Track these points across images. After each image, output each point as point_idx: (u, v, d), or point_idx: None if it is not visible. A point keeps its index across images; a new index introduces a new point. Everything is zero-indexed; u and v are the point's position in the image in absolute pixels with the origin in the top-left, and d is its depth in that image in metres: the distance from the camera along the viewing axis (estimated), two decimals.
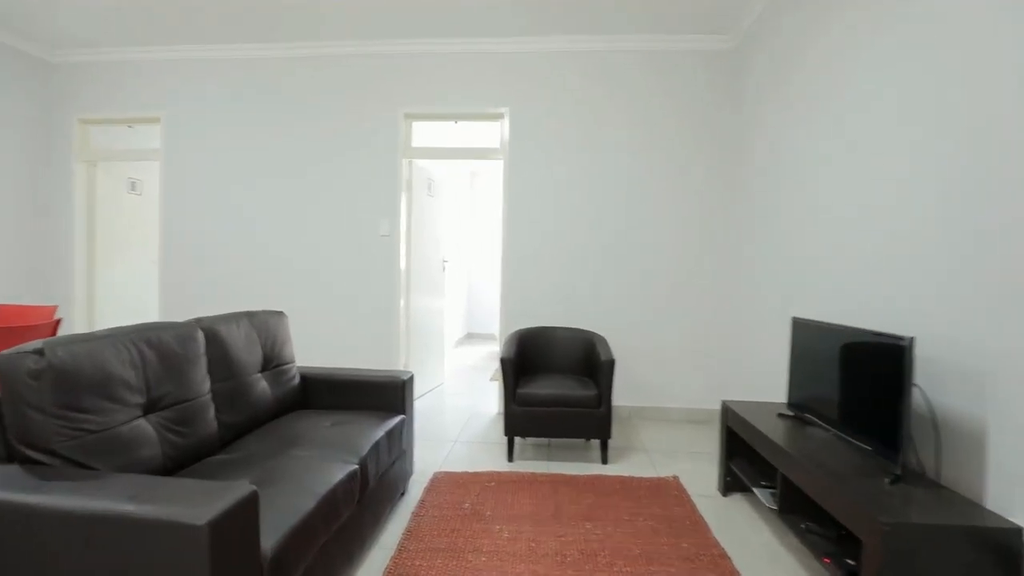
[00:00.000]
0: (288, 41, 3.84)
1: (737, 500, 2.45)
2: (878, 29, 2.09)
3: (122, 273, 4.52)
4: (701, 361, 3.72)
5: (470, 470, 2.72)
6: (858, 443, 1.80)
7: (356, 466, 1.77)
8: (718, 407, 3.68)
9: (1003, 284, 1.47)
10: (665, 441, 3.27)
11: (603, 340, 3.20)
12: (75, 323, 4.11)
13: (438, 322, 4.69)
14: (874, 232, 2.06)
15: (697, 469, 2.81)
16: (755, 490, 2.17)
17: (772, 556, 1.97)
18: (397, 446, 2.22)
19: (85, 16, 3.51)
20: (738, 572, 1.85)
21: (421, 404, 4.06)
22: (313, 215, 3.94)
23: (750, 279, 3.34)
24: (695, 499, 2.43)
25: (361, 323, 3.93)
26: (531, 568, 1.84)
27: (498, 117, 3.85)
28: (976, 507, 1.44)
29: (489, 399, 4.24)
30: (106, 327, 1.70)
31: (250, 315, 2.24)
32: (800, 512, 1.92)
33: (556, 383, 2.93)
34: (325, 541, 1.54)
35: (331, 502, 1.55)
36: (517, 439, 3.22)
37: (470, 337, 7.75)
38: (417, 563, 1.86)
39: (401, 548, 1.95)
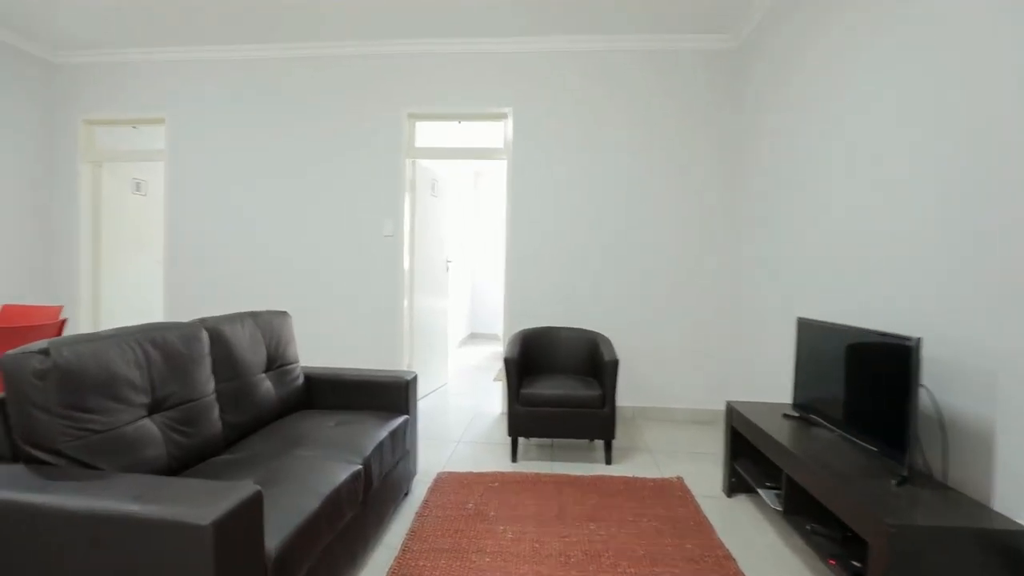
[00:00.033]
0: (291, 42, 3.84)
1: (742, 501, 2.44)
2: (879, 30, 2.09)
3: (127, 273, 4.54)
4: (704, 361, 3.71)
5: (474, 470, 2.72)
6: (864, 444, 1.79)
7: (360, 466, 1.78)
8: (722, 407, 3.67)
9: (1008, 284, 1.46)
10: (669, 442, 3.26)
11: (607, 340, 3.19)
12: (80, 323, 4.13)
13: (442, 322, 4.69)
14: (877, 232, 2.05)
15: (701, 470, 2.80)
16: (760, 491, 2.16)
17: (777, 557, 1.97)
18: (401, 446, 2.22)
19: (85, 16, 3.52)
20: (743, 573, 1.84)
21: (425, 404, 4.06)
22: (317, 215, 3.95)
23: (752, 279, 3.33)
24: (699, 500, 2.42)
25: (365, 323, 3.94)
26: (535, 569, 1.83)
27: (501, 117, 3.85)
28: (983, 509, 1.43)
29: (493, 399, 4.23)
30: (111, 327, 1.70)
31: (254, 315, 2.25)
32: (805, 513, 1.91)
33: (560, 383, 2.93)
34: (329, 541, 1.54)
35: (335, 502, 1.55)
36: (521, 439, 3.22)
37: (473, 337, 7.75)
38: (421, 563, 1.85)
39: (405, 548, 1.95)
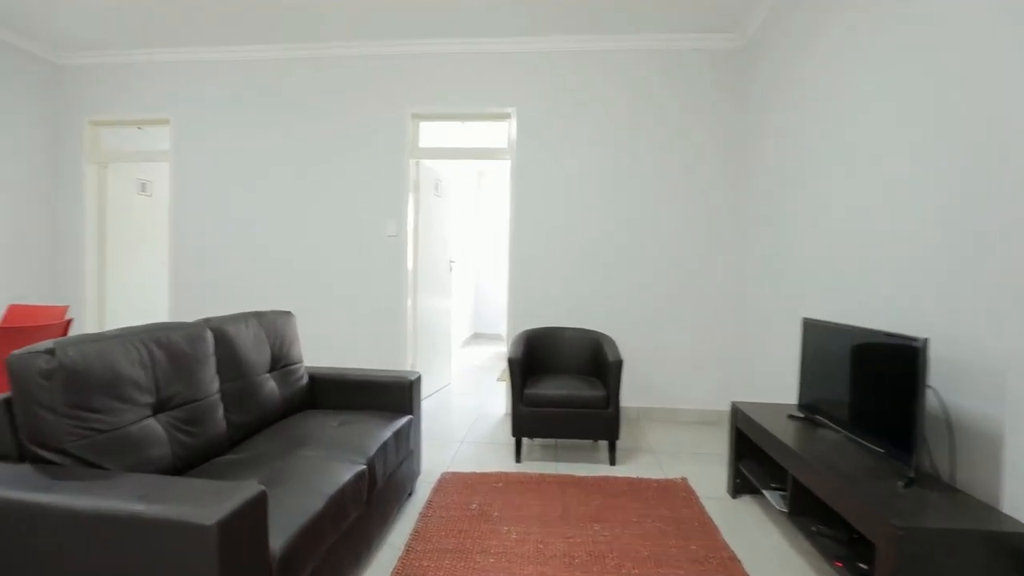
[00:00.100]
0: (294, 42, 3.85)
1: (746, 502, 2.43)
2: (881, 30, 2.09)
3: (132, 274, 4.56)
4: (709, 362, 3.70)
5: (477, 471, 2.72)
6: (870, 445, 1.78)
7: (364, 466, 1.78)
8: (726, 408, 3.65)
9: (1014, 283, 1.45)
10: (673, 442, 3.25)
11: (611, 340, 3.18)
12: (86, 323, 4.15)
13: (445, 322, 4.69)
14: (880, 232, 2.04)
15: (705, 471, 2.79)
16: (765, 492, 2.15)
17: (782, 559, 1.95)
18: (404, 446, 2.22)
19: (85, 16, 3.52)
20: (748, 575, 1.83)
21: (428, 404, 4.06)
22: (320, 216, 3.96)
23: (757, 279, 3.31)
24: (704, 501, 2.41)
25: (368, 323, 3.94)
26: (539, 570, 1.83)
27: (505, 117, 3.85)
28: (992, 511, 1.42)
29: (496, 399, 4.23)
30: (116, 327, 1.71)
31: (258, 315, 2.25)
32: (811, 515, 1.90)
33: (564, 384, 2.92)
34: (333, 541, 1.54)
35: (339, 502, 1.55)
36: (524, 440, 3.22)
37: (477, 337, 7.75)
38: (425, 564, 1.85)
39: (409, 548, 1.95)
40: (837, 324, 2.06)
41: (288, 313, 2.45)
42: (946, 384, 1.68)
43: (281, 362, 2.29)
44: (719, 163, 3.65)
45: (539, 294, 3.79)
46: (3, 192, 3.81)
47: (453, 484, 2.53)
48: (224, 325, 2.00)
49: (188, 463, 1.64)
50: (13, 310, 3.19)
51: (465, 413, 3.84)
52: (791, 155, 2.87)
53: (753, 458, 2.44)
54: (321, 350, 3.95)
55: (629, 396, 3.73)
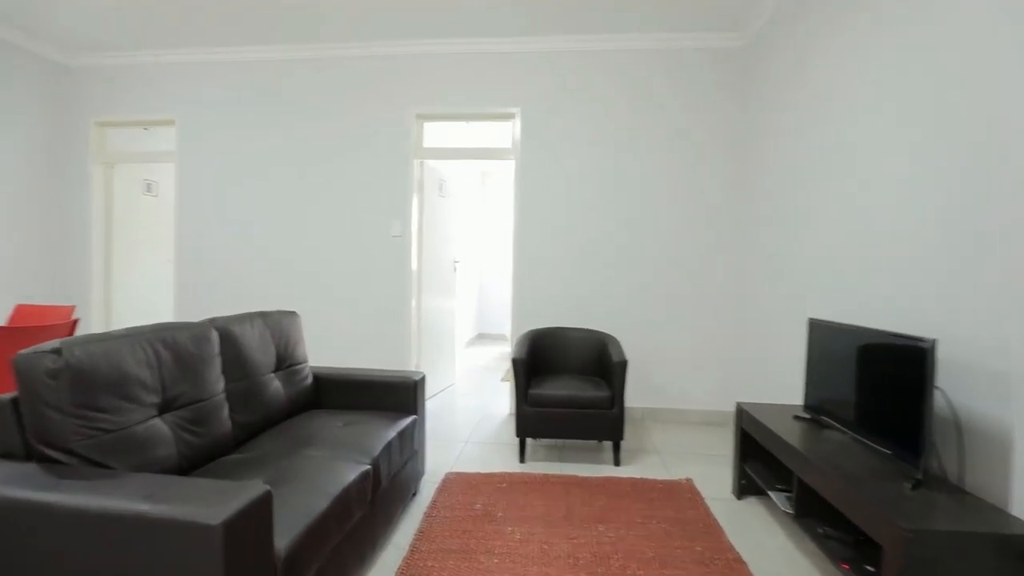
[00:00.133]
0: (299, 43, 3.86)
1: (752, 503, 2.42)
2: (884, 31, 2.08)
3: (138, 274, 4.58)
4: (713, 362, 3.68)
5: (482, 471, 2.72)
6: (877, 447, 1.77)
7: (368, 466, 1.78)
8: (731, 409, 3.64)
9: (1021, 283, 1.44)
10: (678, 443, 3.24)
11: (615, 341, 3.18)
12: (92, 323, 4.17)
13: (449, 322, 4.70)
14: (885, 232, 2.02)
15: (710, 472, 2.78)
16: (770, 493, 2.14)
17: (788, 561, 1.94)
18: (409, 446, 2.22)
19: (85, 16, 3.53)
20: None
21: (432, 404, 4.06)
22: (324, 216, 3.96)
23: (761, 278, 3.30)
24: (709, 502, 2.40)
25: (372, 323, 3.94)
26: (543, 570, 1.82)
27: (509, 117, 3.84)
28: (1002, 513, 1.40)
29: (500, 400, 4.23)
30: (122, 327, 1.72)
31: (264, 315, 2.26)
32: (817, 516, 1.89)
33: (568, 384, 2.92)
34: (338, 541, 1.54)
35: (344, 502, 1.55)
36: (528, 440, 3.21)
37: (481, 337, 7.75)
38: (429, 564, 1.85)
39: (413, 549, 1.95)
40: (843, 324, 2.05)
41: (293, 313, 2.46)
42: (954, 385, 1.66)
43: (286, 362, 2.30)
44: (722, 162, 3.63)
45: (543, 294, 3.78)
46: (10, 192, 3.84)
47: (457, 484, 2.53)
48: (229, 325, 2.01)
49: (193, 463, 1.64)
50: (20, 310, 3.21)
51: (469, 413, 3.83)
52: (795, 155, 2.86)
53: (758, 459, 2.42)
54: (326, 350, 3.96)
55: (633, 396, 3.72)
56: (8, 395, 1.34)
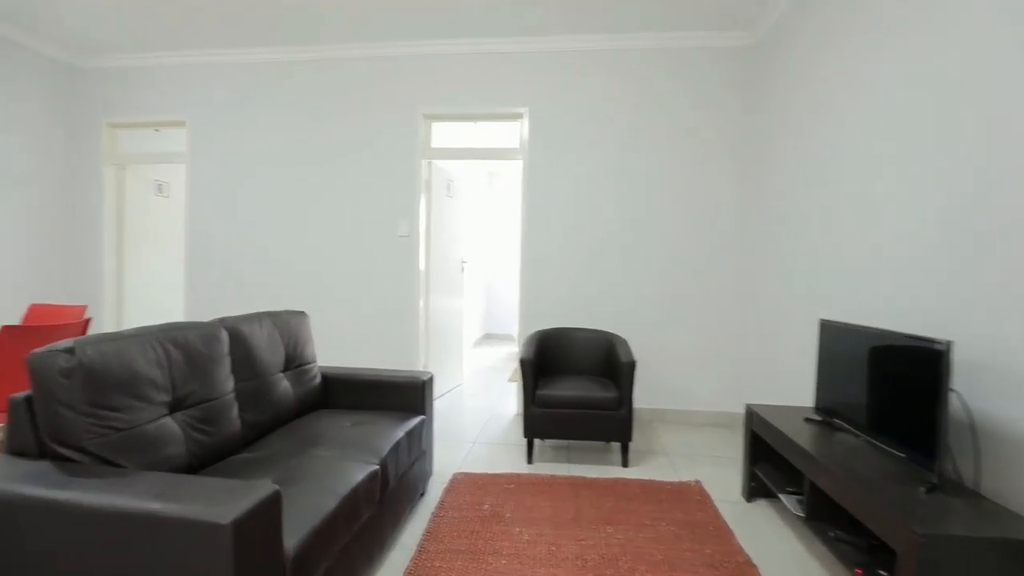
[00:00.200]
0: (308, 44, 3.88)
1: (762, 506, 2.40)
2: (893, 30, 2.05)
3: (148, 273, 4.62)
4: (722, 363, 3.66)
5: (489, 471, 2.71)
6: (890, 450, 1.74)
7: (377, 466, 1.78)
8: (740, 410, 3.61)
9: None
10: (686, 444, 3.22)
11: (623, 341, 3.16)
12: (104, 323, 4.22)
13: (457, 323, 4.70)
14: (898, 232, 1.99)
15: (719, 474, 2.76)
16: (781, 496, 2.12)
17: (800, 564, 1.92)
18: (417, 447, 2.22)
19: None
20: None
21: (440, 404, 4.06)
22: (332, 216, 3.98)
23: (771, 279, 3.27)
24: (718, 504, 2.38)
25: (380, 324, 3.95)
26: (551, 572, 1.82)
27: (517, 117, 3.84)
28: (1020, 519, 1.37)
29: (508, 400, 4.22)
30: (133, 326, 1.73)
31: (272, 315, 2.26)
32: (828, 520, 1.86)
33: (576, 384, 2.91)
34: (346, 541, 1.54)
35: (352, 502, 1.55)
36: (536, 441, 3.20)
37: (488, 338, 7.75)
38: (437, 564, 1.85)
39: (421, 549, 1.95)
40: (856, 326, 2.02)
41: (302, 313, 2.47)
42: (970, 387, 1.64)
43: (295, 362, 2.30)
44: (731, 162, 3.61)
45: (551, 294, 3.78)
46: (25, 194, 3.89)
47: (465, 485, 2.53)
48: (239, 325, 2.02)
49: (203, 462, 1.65)
50: (34, 309, 3.25)
51: (477, 414, 3.83)
52: (804, 154, 2.83)
53: (768, 461, 2.40)
54: (334, 350, 3.97)
55: (641, 397, 3.70)
56: (22, 393, 1.36)
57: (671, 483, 2.59)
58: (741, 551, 1.97)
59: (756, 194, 3.54)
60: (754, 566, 1.87)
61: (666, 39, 3.61)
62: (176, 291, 4.47)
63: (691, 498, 2.43)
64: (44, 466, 1.26)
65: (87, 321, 2.85)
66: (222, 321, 1.97)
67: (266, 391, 2.04)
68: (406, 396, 2.41)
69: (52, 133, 4.08)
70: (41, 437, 1.32)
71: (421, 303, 3.96)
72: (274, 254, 4.05)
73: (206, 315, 4.00)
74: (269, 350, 2.12)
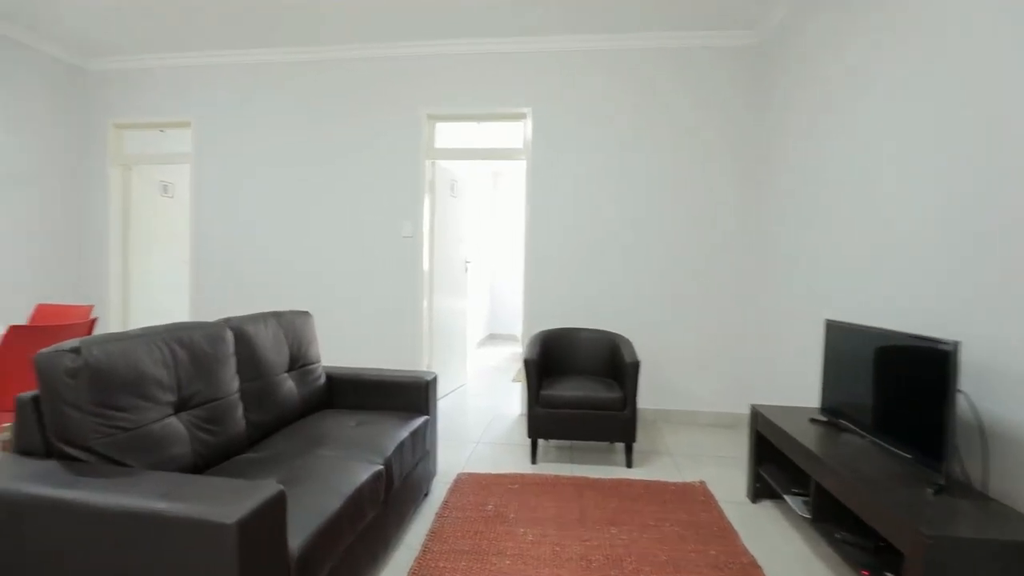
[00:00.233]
0: (309, 46, 3.89)
1: (767, 507, 2.39)
2: (899, 30, 2.04)
3: (154, 274, 4.65)
4: (726, 363, 3.64)
5: (493, 471, 2.71)
6: (897, 451, 1.73)
7: (381, 466, 1.78)
8: (744, 411, 3.60)
9: None
10: (690, 445, 3.21)
11: (627, 341, 3.15)
12: (110, 323, 4.24)
13: (460, 323, 4.70)
14: (905, 231, 1.98)
15: (724, 474, 2.75)
16: (786, 497, 2.11)
17: (805, 566, 1.91)
18: (421, 447, 2.22)
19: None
20: None
21: (444, 404, 4.06)
22: (335, 217, 3.99)
23: (772, 279, 3.26)
24: (723, 505, 2.37)
25: (384, 324, 3.96)
26: (555, 572, 1.81)
27: (520, 117, 3.84)
28: None
29: (511, 400, 4.22)
30: (139, 327, 1.74)
31: (277, 315, 2.27)
32: (834, 521, 1.85)
33: (580, 385, 2.90)
34: (351, 541, 1.55)
35: (357, 502, 1.56)
36: (540, 441, 3.20)
37: (492, 338, 7.75)
38: (441, 565, 1.85)
39: (425, 549, 1.95)
40: (862, 326, 2.01)
41: (306, 313, 2.47)
42: (978, 388, 1.62)
43: (299, 362, 2.31)
44: (736, 162, 3.59)
45: (554, 294, 3.77)
46: (31, 194, 3.91)
47: (469, 485, 2.53)
48: (244, 325, 2.02)
49: (208, 461, 1.65)
50: (41, 309, 3.27)
51: (480, 414, 3.83)
52: (807, 154, 2.82)
53: (773, 462, 2.39)
54: (338, 350, 3.98)
55: (646, 398, 3.69)
56: (29, 393, 1.37)
57: (675, 484, 2.58)
58: (746, 552, 1.96)
59: (758, 194, 3.53)
60: (759, 567, 1.87)
61: (668, 39, 3.60)
62: (181, 291, 4.49)
63: (695, 499, 2.42)
64: (51, 465, 1.26)
65: (93, 321, 2.87)
66: (227, 321, 1.98)
67: (271, 391, 2.05)
68: (410, 396, 2.42)
69: (58, 134, 4.10)
70: (48, 437, 1.33)
71: (425, 303, 3.97)
72: (278, 254, 4.06)
73: (211, 315, 4.01)
74: (274, 350, 2.13)
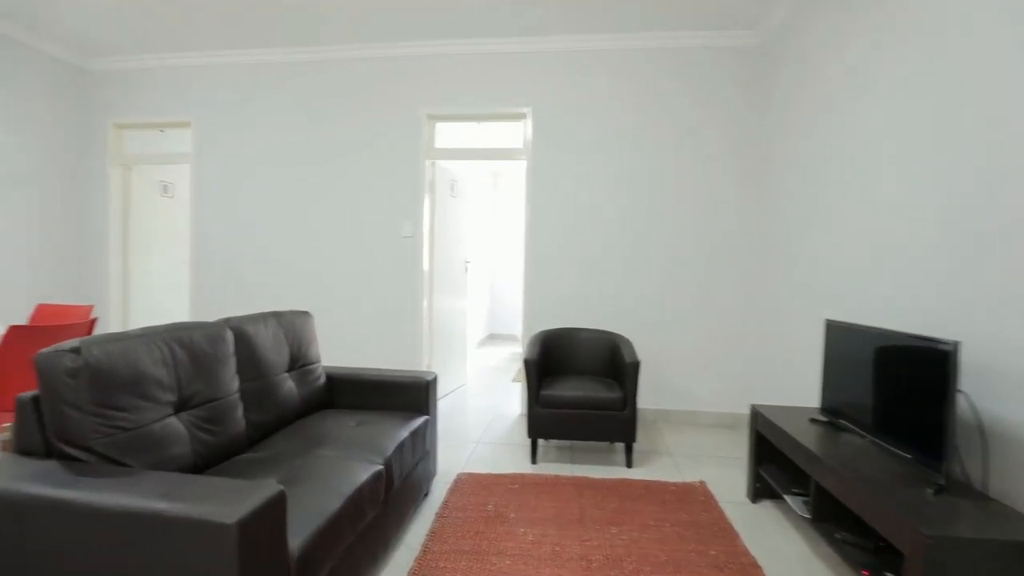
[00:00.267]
0: (317, 45, 3.89)
1: (767, 507, 2.39)
2: (901, 29, 2.04)
3: (154, 274, 4.64)
4: (726, 364, 3.64)
5: (493, 471, 2.71)
6: (897, 451, 1.73)
7: (381, 466, 1.78)
8: (744, 411, 3.60)
9: None
10: (691, 445, 3.21)
11: (627, 341, 3.15)
12: (110, 323, 4.24)
13: (460, 323, 4.70)
14: (904, 231, 1.98)
15: (724, 474, 2.75)
16: (786, 497, 2.11)
17: (805, 566, 1.91)
18: (421, 447, 2.22)
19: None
20: None
21: (444, 404, 4.06)
22: (335, 217, 3.99)
23: (773, 279, 3.26)
24: (723, 505, 2.37)
25: (384, 324, 3.96)
26: (556, 572, 1.81)
27: (520, 117, 3.84)
28: None
29: (511, 400, 4.22)
30: (139, 327, 1.74)
31: (277, 315, 2.27)
32: (834, 521, 1.85)
33: (580, 385, 2.90)
34: (351, 541, 1.55)
35: (357, 502, 1.56)
36: (540, 441, 3.20)
37: (492, 338, 7.75)
38: (441, 565, 1.85)
39: (425, 549, 1.95)
40: (862, 326, 2.01)
41: (306, 313, 2.47)
42: (978, 388, 1.62)
43: (299, 362, 2.31)
44: (737, 162, 3.59)
45: (555, 294, 3.77)
46: (32, 194, 3.91)
47: (469, 485, 2.53)
48: (244, 325, 2.02)
49: (208, 461, 1.65)
50: (41, 309, 3.27)
51: (480, 414, 3.83)
52: (808, 154, 2.82)
53: (774, 462, 2.39)
54: (339, 351, 3.98)
55: (646, 398, 3.69)
56: (29, 393, 1.37)
57: (675, 484, 2.58)
58: (746, 552, 1.96)
59: (758, 194, 3.53)
60: (759, 568, 1.87)
61: (669, 39, 3.60)
62: (181, 291, 4.49)
63: (695, 499, 2.42)
64: (51, 465, 1.26)
65: (93, 321, 2.86)
66: (227, 321, 1.98)
67: (271, 391, 2.05)
68: (410, 396, 2.42)
69: (59, 134, 4.10)
70: (48, 437, 1.33)
71: (425, 303, 3.96)
72: (278, 254, 4.06)
73: (211, 316, 4.01)
74: (274, 350, 2.13)
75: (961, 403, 1.65)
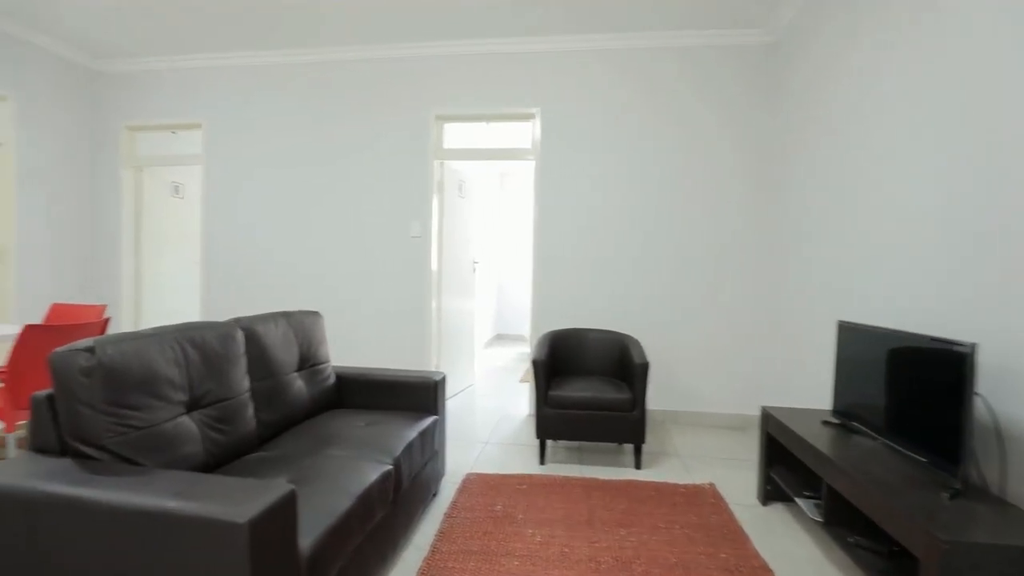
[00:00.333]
0: (326, 46, 3.91)
1: (778, 510, 2.36)
2: (904, 30, 2.01)
3: (165, 274, 4.69)
4: (735, 364, 3.61)
5: (501, 472, 2.71)
6: (911, 454, 1.71)
7: (390, 466, 1.78)
8: (755, 413, 3.57)
9: None
10: (700, 447, 3.19)
11: (636, 342, 3.14)
12: (122, 322, 4.29)
13: (469, 323, 4.70)
14: (917, 233, 1.95)
15: (734, 476, 2.73)
16: (798, 500, 2.09)
17: (817, 570, 1.89)
18: (430, 447, 2.23)
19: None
20: None
21: (452, 405, 4.07)
22: (345, 217, 4.01)
23: (784, 280, 3.23)
24: (733, 508, 2.35)
25: (393, 324, 3.97)
26: (564, 574, 1.81)
27: (529, 117, 3.83)
28: None
29: (519, 400, 4.22)
30: (151, 326, 1.75)
31: (287, 315, 2.28)
32: (847, 525, 1.83)
33: (588, 385, 2.89)
34: (360, 541, 1.55)
35: (366, 502, 1.56)
36: (548, 442, 3.19)
37: (500, 338, 7.74)
38: (450, 565, 1.85)
39: (434, 549, 1.95)
40: (875, 327, 1.99)
41: (316, 313, 2.48)
42: (996, 391, 1.60)
43: (309, 362, 2.32)
44: (747, 162, 3.56)
45: (563, 295, 3.76)
46: (46, 195, 3.97)
47: (477, 485, 2.53)
48: (254, 325, 2.03)
49: (219, 460, 1.67)
50: (56, 309, 3.31)
51: (488, 414, 3.83)
52: (820, 154, 2.80)
53: (784, 465, 2.37)
54: (348, 350, 4.00)
55: (655, 399, 3.68)
56: (44, 392, 1.38)
57: (685, 485, 2.57)
58: (757, 555, 1.95)
59: (767, 194, 3.50)
60: (770, 571, 1.85)
61: (677, 38, 3.58)
62: (192, 292, 4.53)
63: (705, 501, 2.40)
64: (65, 463, 1.28)
65: (106, 321, 2.90)
66: (238, 321, 1.99)
67: (281, 391, 2.06)
68: (419, 396, 2.42)
69: (72, 136, 4.15)
70: (62, 435, 1.34)
71: (433, 304, 3.97)
72: (288, 255, 4.09)
73: (221, 316, 4.04)
74: (284, 350, 2.14)
75: (978, 405, 1.63)
